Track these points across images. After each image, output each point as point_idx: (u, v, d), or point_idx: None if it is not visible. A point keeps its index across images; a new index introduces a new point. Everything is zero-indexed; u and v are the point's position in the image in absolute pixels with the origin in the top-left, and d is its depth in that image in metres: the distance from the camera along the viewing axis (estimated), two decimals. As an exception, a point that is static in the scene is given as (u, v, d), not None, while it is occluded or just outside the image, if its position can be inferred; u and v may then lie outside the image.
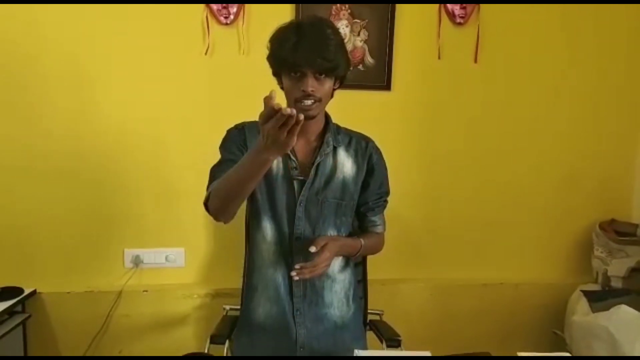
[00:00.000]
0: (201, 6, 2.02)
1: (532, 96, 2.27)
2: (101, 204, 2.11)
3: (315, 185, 1.35)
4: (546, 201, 2.34)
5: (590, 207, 2.36)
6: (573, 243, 2.39)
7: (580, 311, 2.09)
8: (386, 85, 2.17)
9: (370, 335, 1.76)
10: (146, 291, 2.15)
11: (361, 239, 1.41)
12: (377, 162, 1.43)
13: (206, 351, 1.61)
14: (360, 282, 1.85)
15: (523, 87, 2.27)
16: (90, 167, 2.08)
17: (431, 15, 2.15)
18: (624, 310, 1.90)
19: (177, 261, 2.17)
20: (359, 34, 2.12)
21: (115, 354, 2.14)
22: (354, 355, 1.15)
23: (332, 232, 1.39)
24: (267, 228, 1.38)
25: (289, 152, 1.29)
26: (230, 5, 2.02)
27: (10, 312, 1.93)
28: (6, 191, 2.05)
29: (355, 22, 2.11)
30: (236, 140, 1.36)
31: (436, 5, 2.14)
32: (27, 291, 2.01)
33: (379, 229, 1.49)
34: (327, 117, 1.41)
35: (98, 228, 2.13)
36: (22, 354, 2.02)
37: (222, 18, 2.03)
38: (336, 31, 1.26)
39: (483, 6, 2.15)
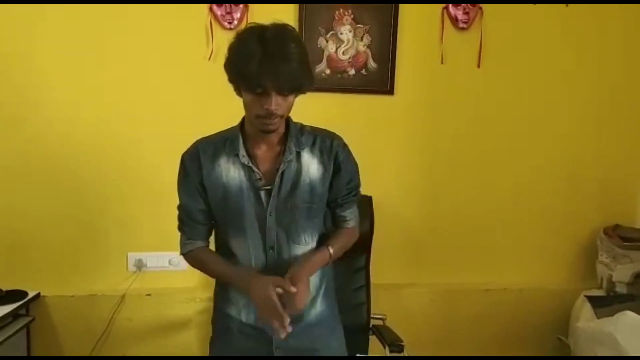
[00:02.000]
0: (205, 11, 2.03)
1: (535, 100, 2.27)
2: (104, 208, 2.12)
3: (282, 192, 1.30)
4: (550, 205, 2.34)
5: (594, 212, 2.35)
6: (577, 248, 2.38)
7: (584, 317, 2.08)
8: (389, 90, 2.18)
9: (373, 340, 1.76)
10: (149, 295, 2.16)
11: (329, 248, 1.35)
12: (343, 160, 1.35)
13: (209, 354, 1.61)
14: (363, 287, 1.85)
15: (526, 91, 2.27)
16: (94, 171, 2.09)
17: (434, 20, 2.16)
18: (629, 316, 1.89)
19: (180, 264, 2.17)
20: (362, 39, 2.13)
21: (119, 355, 2.14)
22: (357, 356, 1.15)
23: (305, 237, 1.35)
24: (239, 243, 1.35)
25: (249, 163, 1.28)
26: (234, 10, 2.04)
27: (14, 314, 1.93)
28: (8, 195, 2.07)
29: (358, 27, 2.12)
30: (191, 172, 1.33)
31: (439, 10, 2.15)
32: (31, 294, 2.02)
33: (350, 224, 1.43)
34: (287, 121, 1.32)
35: (101, 232, 2.14)
36: (25, 356, 2.02)
37: (225, 23, 2.04)
38: (299, 43, 1.19)
39: (486, 11, 2.15)
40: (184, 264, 2.14)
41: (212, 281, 1.38)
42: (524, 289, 2.31)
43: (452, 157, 2.26)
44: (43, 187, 2.07)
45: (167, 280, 2.18)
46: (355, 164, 1.41)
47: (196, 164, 1.32)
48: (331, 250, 1.34)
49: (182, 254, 1.41)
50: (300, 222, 1.33)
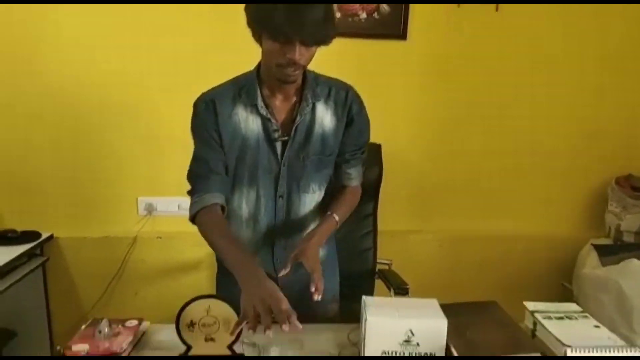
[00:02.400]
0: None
1: (554, 46, 2.19)
2: (115, 153, 2.14)
3: (297, 143, 1.29)
4: (563, 154, 2.30)
5: (607, 162, 2.31)
6: (587, 197, 2.36)
7: (590, 264, 2.10)
8: (402, 34, 2.10)
9: (379, 284, 1.79)
10: (160, 238, 2.20)
11: (334, 215, 1.32)
12: (357, 113, 1.33)
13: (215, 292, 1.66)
14: (370, 233, 1.87)
15: (545, 37, 2.18)
16: (105, 116, 2.09)
17: (450, -41, 2.05)
18: (635, 264, 1.90)
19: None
20: (374, -21, 2.04)
21: (131, 296, 2.21)
22: (362, 301, 1.17)
23: (314, 187, 1.35)
24: (249, 192, 1.33)
25: (267, 115, 1.25)
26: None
27: (29, 254, 1.99)
28: (23, 140, 2.09)
29: (371, -35, 2.02)
30: (207, 121, 1.27)
31: (457, -52, 2.03)
32: (44, 235, 2.07)
33: (353, 182, 1.41)
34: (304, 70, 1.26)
35: (112, 176, 2.16)
36: (42, 295, 2.10)
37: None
38: None
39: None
40: (193, 208, 2.20)
41: None
42: (531, 236, 2.32)
43: (465, 102, 2.21)
44: (56, 132, 2.09)
45: (177, 224, 2.21)
46: (368, 120, 1.38)
47: (212, 112, 1.27)
48: (337, 218, 1.33)
49: (191, 217, 1.29)
50: (311, 172, 1.33)
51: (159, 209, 2.19)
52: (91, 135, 2.11)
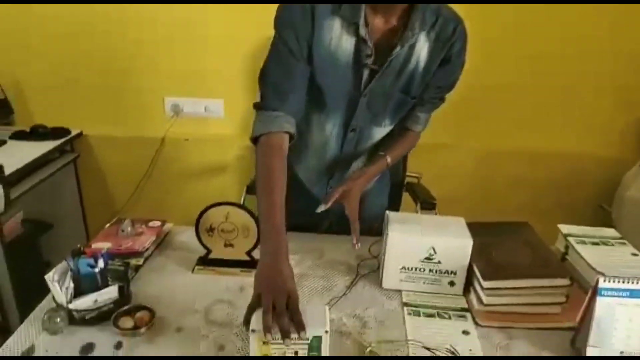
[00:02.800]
0: None
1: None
2: (141, 53, 2.07)
3: (386, 76, 1.11)
4: (615, 72, 2.06)
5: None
6: (637, 118, 2.16)
7: (636, 186, 1.97)
8: None
9: (406, 198, 1.74)
10: (187, 140, 2.19)
11: (387, 158, 1.24)
12: (457, 53, 1.13)
13: (242, 200, 1.66)
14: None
15: None
16: (129, 17, 2.00)
17: None
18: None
19: (217, 112, 2.15)
20: None
21: (160, 196, 2.26)
22: (385, 216, 1.13)
23: (386, 124, 1.24)
24: (321, 119, 1.20)
25: (366, 36, 1.05)
26: None
27: (60, 150, 2.02)
28: (53, 41, 2.05)
29: None
30: (300, 26, 1.05)
31: None
32: (74, 132, 2.08)
33: (418, 127, 1.29)
34: None
35: (139, 76, 2.10)
36: (76, 190, 2.17)
37: None
38: None
39: None
40: (220, 111, 2.15)
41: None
42: (572, 154, 2.17)
43: (504, 20, 1.97)
44: (84, 37, 2.04)
45: (204, 126, 2.18)
46: (462, 64, 1.17)
47: (309, 16, 1.05)
48: (389, 160, 1.25)
49: (253, 138, 1.09)
50: (390, 111, 1.20)
51: (186, 110, 2.14)
52: (119, 34, 2.04)
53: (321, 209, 1.17)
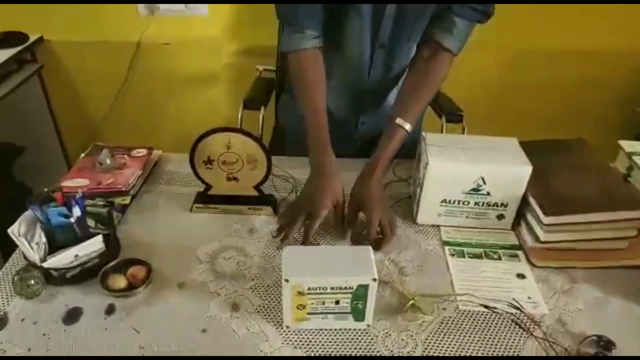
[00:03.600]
0: None
1: None
2: None
3: None
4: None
5: None
6: None
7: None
8: None
9: (427, 111, 1.52)
10: (167, 44, 1.88)
11: (405, 126, 0.95)
12: None
13: (239, 117, 1.43)
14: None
15: None
16: None
17: None
18: None
19: (199, 9, 1.82)
20: None
21: (141, 112, 2.01)
22: (421, 138, 0.93)
23: (417, 35, 1.02)
24: (344, 34, 1.01)
25: None
26: None
27: (19, 60, 1.73)
28: None
29: None
30: None
31: None
32: (33, 38, 1.77)
33: (451, 44, 0.99)
34: None
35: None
36: (45, 107, 1.90)
37: None
38: None
39: None
40: (203, 8, 1.82)
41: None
42: (605, 52, 1.93)
43: None
44: None
45: (185, 27, 1.86)
46: None
47: None
48: (407, 128, 0.96)
49: (283, 51, 1.02)
50: (424, 18, 0.98)
51: (162, 8, 1.81)
52: None
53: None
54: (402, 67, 1.09)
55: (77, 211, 0.78)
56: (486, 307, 0.75)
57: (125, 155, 1.03)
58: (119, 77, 1.91)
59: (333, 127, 0.95)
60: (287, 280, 0.67)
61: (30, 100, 1.83)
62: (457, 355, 0.69)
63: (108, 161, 0.98)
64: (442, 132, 1.40)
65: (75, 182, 0.93)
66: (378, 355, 0.69)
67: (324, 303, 0.70)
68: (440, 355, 0.69)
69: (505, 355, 0.70)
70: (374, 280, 0.67)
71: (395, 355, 0.69)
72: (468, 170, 0.86)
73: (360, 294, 0.69)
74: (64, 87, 1.94)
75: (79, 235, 0.80)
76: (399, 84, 1.11)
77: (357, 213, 0.90)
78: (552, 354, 0.69)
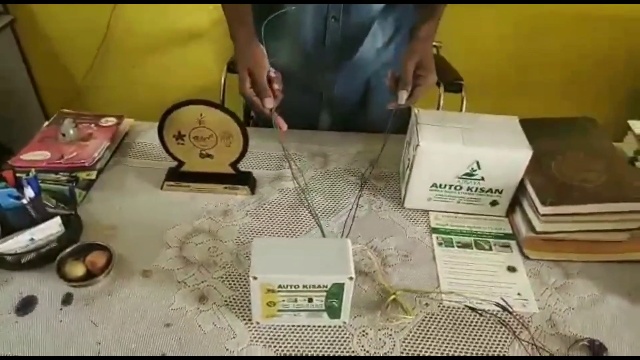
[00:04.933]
0: None
1: None
2: None
3: None
4: None
5: None
6: None
7: None
8: None
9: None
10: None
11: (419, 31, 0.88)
12: None
13: (222, 80, 1.34)
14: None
15: None
16: None
17: None
18: None
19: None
20: None
21: (129, 68, 1.90)
22: (412, 115, 0.85)
23: None
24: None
25: None
26: None
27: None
28: None
29: None
30: None
31: None
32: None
33: None
34: None
35: None
36: (22, 65, 1.79)
37: None
38: None
39: None
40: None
41: None
42: (620, 17, 1.80)
43: None
44: None
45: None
46: None
47: None
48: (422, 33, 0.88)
49: None
50: None
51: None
52: None
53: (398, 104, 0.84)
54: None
55: (29, 192, 0.71)
56: (472, 308, 0.69)
57: (92, 125, 0.95)
58: (99, 34, 1.79)
59: (305, 93, 0.87)
60: (255, 278, 0.61)
61: (4, 58, 1.72)
62: (436, 356, 0.64)
63: (71, 132, 0.90)
64: (439, 102, 1.31)
65: (35, 155, 0.86)
66: (353, 355, 0.64)
67: (296, 300, 0.64)
68: (419, 356, 0.64)
69: (489, 356, 0.65)
70: (351, 279, 0.61)
71: (371, 355, 0.64)
72: (462, 154, 0.78)
73: (335, 292, 0.63)
74: (40, 43, 1.83)
75: (35, 217, 0.74)
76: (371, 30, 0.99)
77: (415, 70, 0.83)
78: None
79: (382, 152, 0.91)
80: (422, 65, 0.84)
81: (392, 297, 0.70)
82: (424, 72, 0.84)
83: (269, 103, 0.83)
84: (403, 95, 0.82)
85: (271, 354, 0.64)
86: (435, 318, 0.69)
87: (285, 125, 0.85)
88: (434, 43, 1.48)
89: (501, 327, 0.68)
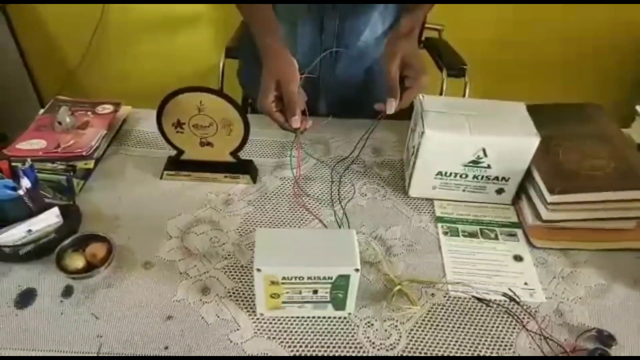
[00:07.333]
0: None
1: None
2: None
3: None
4: None
5: None
6: None
7: None
8: None
9: (426, 59, 1.39)
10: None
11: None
12: None
13: (220, 65, 1.31)
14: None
15: None
16: None
17: None
18: None
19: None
20: None
21: (125, 54, 1.86)
22: (417, 101, 0.83)
23: None
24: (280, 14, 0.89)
25: None
26: None
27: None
28: None
29: None
30: None
31: None
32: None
33: None
34: None
35: None
36: (15, 50, 1.75)
37: None
38: None
39: None
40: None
41: None
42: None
43: None
44: None
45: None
46: None
47: None
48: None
49: None
50: None
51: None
52: None
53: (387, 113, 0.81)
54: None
55: (25, 182, 0.70)
56: (479, 299, 0.68)
57: (89, 112, 0.93)
58: (94, 19, 1.75)
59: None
60: (259, 270, 0.60)
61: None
62: (443, 348, 0.64)
63: (67, 120, 0.88)
64: (442, 87, 1.29)
65: (32, 144, 0.84)
66: (359, 346, 0.63)
67: (300, 292, 0.63)
68: (425, 348, 0.64)
69: (496, 347, 0.64)
70: (356, 270, 0.60)
71: (376, 346, 0.64)
72: (468, 142, 0.77)
73: (340, 284, 0.62)
74: (34, 26, 1.79)
75: (32, 208, 0.72)
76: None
77: (401, 73, 0.79)
78: (546, 348, 0.64)
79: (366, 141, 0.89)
80: (408, 65, 0.78)
81: (398, 287, 0.69)
82: (412, 72, 0.78)
83: (296, 123, 0.77)
84: (392, 104, 0.78)
85: (276, 345, 0.63)
86: (442, 308, 0.68)
87: (309, 122, 0.80)
88: (435, 26, 1.46)
89: (508, 318, 0.67)
